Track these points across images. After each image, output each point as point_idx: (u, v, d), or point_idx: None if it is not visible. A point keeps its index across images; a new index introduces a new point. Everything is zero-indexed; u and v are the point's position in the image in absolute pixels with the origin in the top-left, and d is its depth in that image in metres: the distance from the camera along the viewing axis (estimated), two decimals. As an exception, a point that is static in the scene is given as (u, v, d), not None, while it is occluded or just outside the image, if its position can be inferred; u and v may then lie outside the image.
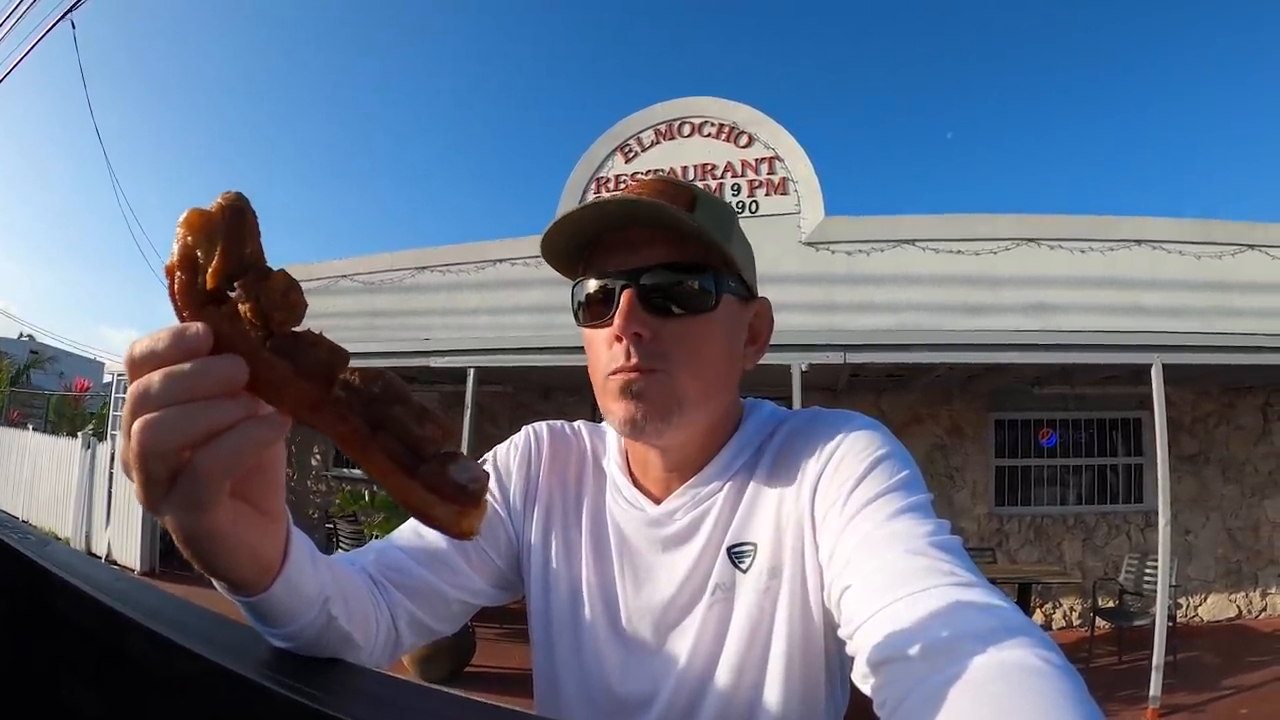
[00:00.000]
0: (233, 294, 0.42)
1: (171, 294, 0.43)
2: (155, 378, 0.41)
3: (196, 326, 0.42)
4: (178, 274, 0.42)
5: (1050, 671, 0.46)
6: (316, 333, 0.44)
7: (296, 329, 0.43)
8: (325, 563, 0.68)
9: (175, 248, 0.42)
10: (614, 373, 0.79)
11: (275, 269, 0.43)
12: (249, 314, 0.42)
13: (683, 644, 0.83)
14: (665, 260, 0.79)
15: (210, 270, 0.42)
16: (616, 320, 0.78)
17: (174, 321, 0.43)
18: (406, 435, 0.42)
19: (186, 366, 0.41)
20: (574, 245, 0.83)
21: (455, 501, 0.43)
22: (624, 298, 0.78)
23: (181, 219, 0.42)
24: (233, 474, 0.44)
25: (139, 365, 0.42)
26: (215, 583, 0.55)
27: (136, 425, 0.41)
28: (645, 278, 0.79)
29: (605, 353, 0.81)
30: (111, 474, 9.46)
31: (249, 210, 0.43)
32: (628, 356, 0.78)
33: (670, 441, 0.83)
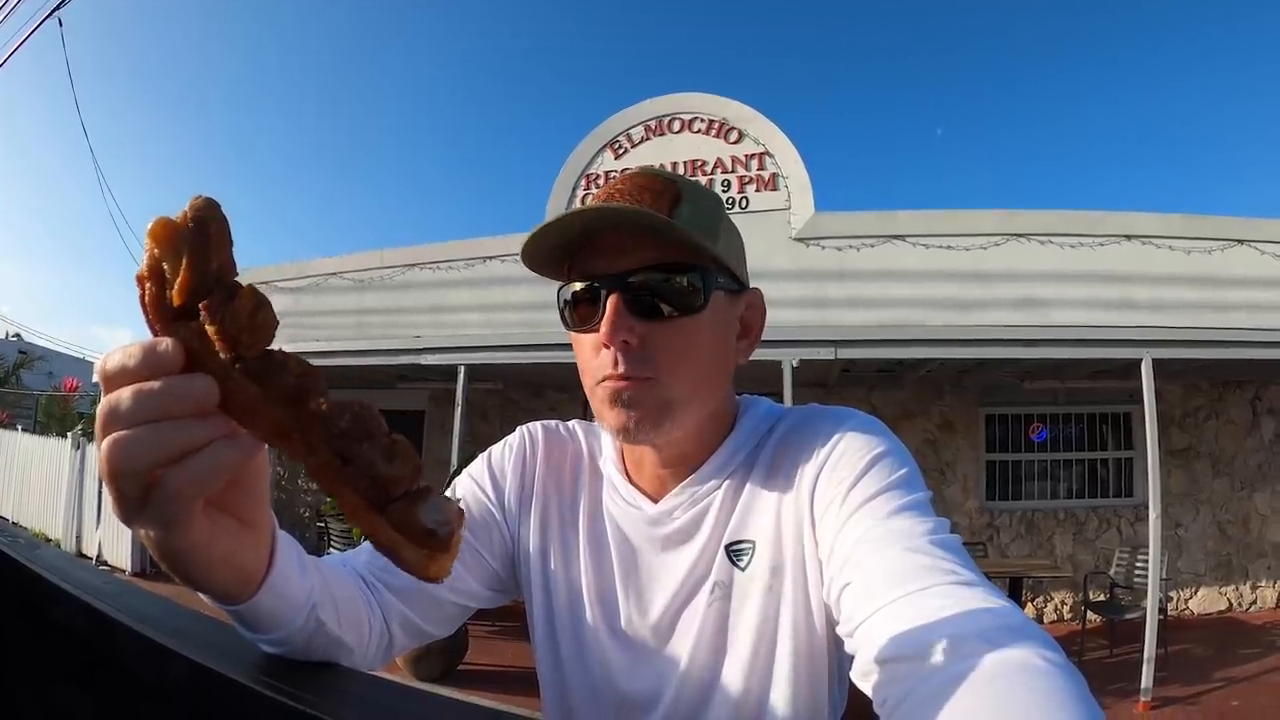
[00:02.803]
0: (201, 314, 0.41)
1: (142, 304, 0.41)
2: (125, 394, 0.41)
3: (167, 343, 0.41)
4: (147, 285, 0.41)
5: (1052, 671, 0.46)
6: (286, 353, 0.42)
7: (270, 348, 0.42)
8: (314, 567, 0.68)
9: (144, 258, 0.41)
10: (603, 380, 0.78)
11: (244, 285, 0.41)
12: (215, 337, 0.40)
13: (685, 643, 0.83)
14: (651, 262, 0.77)
15: (176, 288, 0.40)
16: (603, 328, 0.76)
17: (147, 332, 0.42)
18: (374, 473, 0.40)
19: (156, 385, 0.40)
20: (557, 251, 0.81)
21: (423, 545, 0.41)
22: (610, 303, 0.76)
23: (148, 228, 0.40)
24: (204, 494, 0.44)
25: (111, 380, 0.41)
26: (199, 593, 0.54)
27: (106, 443, 0.41)
28: (631, 280, 0.77)
29: (593, 358, 0.79)
30: (102, 474, 9.36)
31: (216, 221, 0.41)
32: (615, 364, 0.76)
33: (664, 441, 0.82)
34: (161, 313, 0.41)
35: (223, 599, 0.55)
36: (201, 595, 0.54)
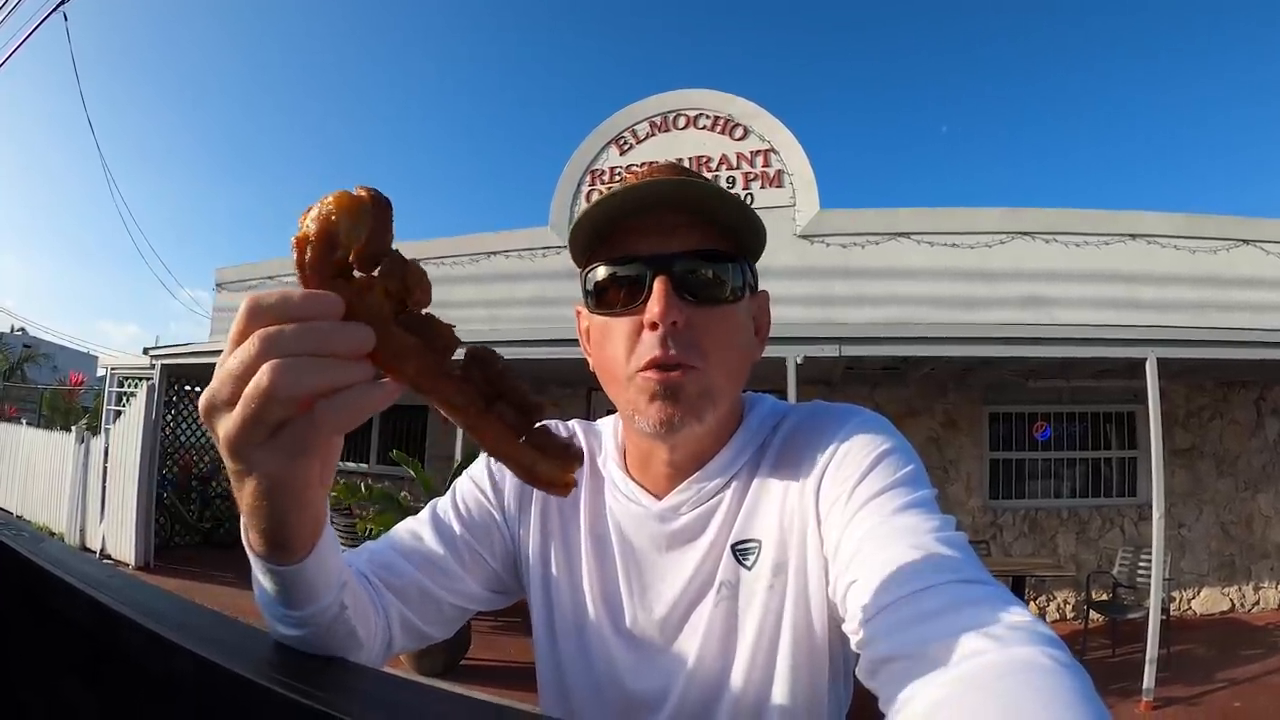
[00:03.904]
0: (361, 274, 0.46)
1: (300, 264, 0.45)
2: (289, 328, 0.43)
3: (332, 294, 0.44)
4: (312, 245, 0.45)
5: (1058, 669, 0.46)
6: (433, 314, 0.49)
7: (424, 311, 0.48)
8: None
9: (313, 224, 0.45)
10: (646, 368, 0.76)
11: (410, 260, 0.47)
12: (394, 290, 0.46)
13: (692, 642, 0.82)
14: (699, 247, 0.77)
15: (355, 248, 0.45)
16: (654, 307, 0.74)
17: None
18: (525, 403, 0.48)
19: (324, 324, 0.44)
20: (600, 226, 0.79)
21: (560, 458, 0.49)
22: (659, 284, 0.75)
23: (329, 197, 0.45)
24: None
25: (264, 314, 0.44)
26: (251, 552, 0.56)
27: (268, 366, 0.42)
28: (679, 264, 0.76)
29: (628, 343, 0.78)
30: (105, 468, 9.40)
31: (390, 204, 0.46)
32: (663, 347, 0.75)
33: (702, 433, 0.81)
34: (323, 271, 0.45)
35: (281, 553, 0.55)
36: (256, 550, 0.55)
